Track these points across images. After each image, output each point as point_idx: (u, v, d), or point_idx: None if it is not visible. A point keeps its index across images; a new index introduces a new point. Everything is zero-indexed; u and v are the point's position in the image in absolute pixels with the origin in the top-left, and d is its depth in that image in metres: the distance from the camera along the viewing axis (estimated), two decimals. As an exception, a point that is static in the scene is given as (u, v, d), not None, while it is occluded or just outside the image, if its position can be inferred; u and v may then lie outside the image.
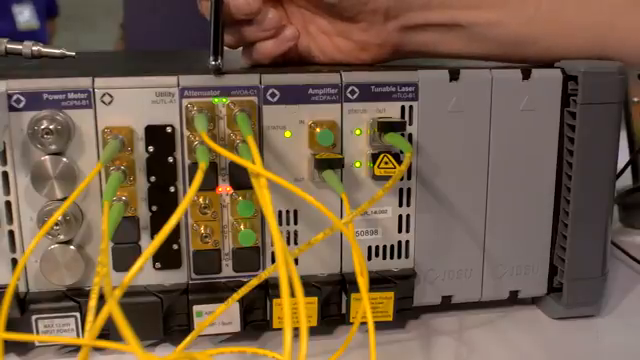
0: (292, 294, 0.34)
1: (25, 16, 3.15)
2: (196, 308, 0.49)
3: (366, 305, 0.41)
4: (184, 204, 0.37)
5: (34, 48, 0.53)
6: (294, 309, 0.33)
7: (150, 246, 0.35)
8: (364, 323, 0.43)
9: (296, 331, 0.33)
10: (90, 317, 0.36)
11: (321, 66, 0.55)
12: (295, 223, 0.51)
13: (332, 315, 0.52)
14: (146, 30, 2.14)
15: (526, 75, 0.52)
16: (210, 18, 0.50)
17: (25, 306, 0.48)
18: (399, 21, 0.55)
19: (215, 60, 0.48)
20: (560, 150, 0.53)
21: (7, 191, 0.47)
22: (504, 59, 0.56)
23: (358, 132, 0.50)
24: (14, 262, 0.48)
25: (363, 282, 0.42)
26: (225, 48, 0.50)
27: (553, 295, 0.56)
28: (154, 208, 0.48)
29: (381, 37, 0.56)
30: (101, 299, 0.35)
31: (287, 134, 0.49)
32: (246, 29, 0.54)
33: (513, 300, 0.56)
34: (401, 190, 0.51)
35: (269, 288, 0.50)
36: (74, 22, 3.89)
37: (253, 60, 0.55)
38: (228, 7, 0.51)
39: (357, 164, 0.50)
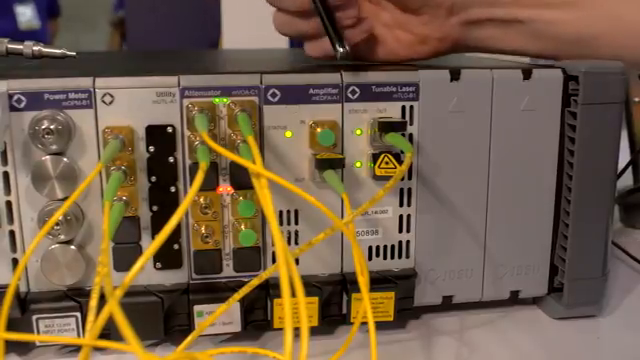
0: (293, 294, 0.34)
1: (27, 16, 3.15)
2: (197, 308, 0.49)
3: (367, 305, 0.41)
4: (185, 204, 0.37)
5: (35, 48, 0.53)
6: (295, 309, 0.34)
7: (151, 246, 0.35)
8: (365, 323, 0.43)
9: (297, 331, 0.33)
10: (91, 317, 0.36)
11: (391, 63, 0.55)
12: (296, 223, 0.51)
13: (333, 315, 0.52)
14: (145, 29, 2.14)
15: (527, 75, 0.52)
16: (317, 8, 0.51)
17: (26, 306, 0.48)
18: (461, 16, 0.55)
19: (342, 46, 0.50)
20: (561, 150, 0.53)
21: (8, 191, 0.47)
22: (563, 57, 0.56)
23: (359, 132, 0.50)
24: (15, 262, 0.48)
25: (364, 282, 0.42)
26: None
27: (554, 295, 0.56)
28: (155, 208, 0.48)
29: (442, 31, 0.56)
30: (102, 299, 0.35)
31: (288, 134, 0.49)
32: (335, 14, 0.52)
33: (514, 300, 0.56)
34: (402, 190, 0.51)
35: (270, 288, 0.50)
36: (75, 22, 3.90)
37: (323, 52, 0.55)
38: None
39: (357, 164, 0.50)
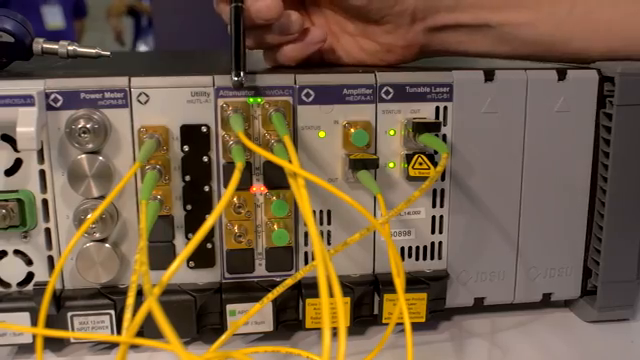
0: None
1: (52, 17, 3.18)
2: (229, 307, 0.49)
3: (403, 306, 0.41)
4: (222, 204, 0.37)
5: (70, 48, 0.53)
6: (331, 309, 0.33)
7: (188, 245, 0.35)
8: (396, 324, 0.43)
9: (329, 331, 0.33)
10: (128, 315, 0.36)
11: (355, 67, 0.55)
12: (329, 223, 0.51)
13: (364, 316, 0.52)
14: (171, 30, 2.15)
15: (562, 76, 0.51)
16: (230, 28, 0.49)
17: (61, 303, 0.48)
18: (426, 23, 0.54)
19: (237, 75, 0.46)
20: (595, 152, 0.53)
21: (44, 189, 0.48)
22: (533, 59, 0.56)
23: (392, 132, 0.50)
24: (50, 259, 0.49)
25: (400, 283, 0.41)
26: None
27: (587, 298, 0.55)
28: (188, 207, 0.49)
29: (407, 39, 0.55)
30: (136, 297, 0.36)
31: (321, 134, 0.49)
32: (268, 33, 0.52)
33: (546, 303, 0.56)
34: (435, 191, 0.51)
35: (302, 288, 0.50)
36: (100, 22, 3.93)
37: (277, 63, 0.55)
38: (248, 11, 0.49)
39: (391, 164, 0.50)
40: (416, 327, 0.52)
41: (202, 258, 0.50)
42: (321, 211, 0.50)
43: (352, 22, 0.56)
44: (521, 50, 0.55)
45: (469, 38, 0.55)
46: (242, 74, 0.46)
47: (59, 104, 0.46)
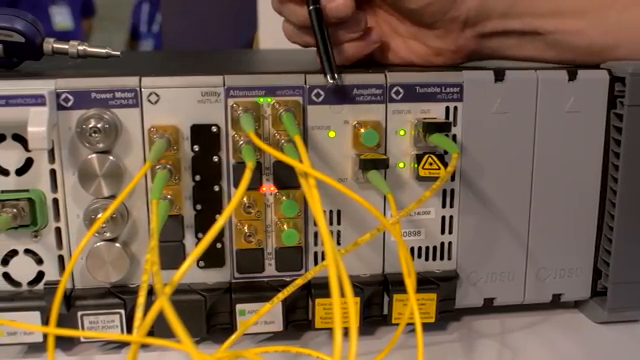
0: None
1: (61, 17, 3.19)
2: (239, 307, 0.49)
3: (414, 306, 0.41)
4: (233, 204, 0.37)
5: (80, 47, 0.53)
6: (341, 309, 0.33)
7: (199, 245, 0.35)
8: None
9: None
10: (139, 314, 0.36)
11: (402, 66, 0.55)
12: (338, 223, 0.51)
13: (374, 316, 0.52)
14: (180, 30, 2.16)
15: (572, 76, 0.51)
16: (314, 31, 0.50)
17: (71, 302, 0.48)
18: (476, 29, 0.54)
19: (332, 78, 0.47)
20: (606, 152, 0.52)
21: (55, 188, 0.48)
22: (578, 63, 0.56)
23: (402, 132, 0.50)
24: (60, 259, 0.49)
25: (410, 283, 0.41)
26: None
27: (597, 299, 0.55)
28: (198, 207, 0.49)
29: (457, 44, 0.55)
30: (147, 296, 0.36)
31: (331, 134, 0.49)
32: (335, 31, 0.53)
33: (556, 303, 0.56)
34: (445, 191, 0.51)
35: (312, 288, 0.50)
36: (107, 22, 3.94)
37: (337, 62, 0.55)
38: (323, 10, 0.50)
39: (401, 165, 0.50)
40: (426, 327, 0.51)
41: (212, 258, 0.50)
42: (331, 211, 0.50)
43: (404, 24, 0.56)
44: (567, 56, 0.55)
45: (517, 44, 0.55)
46: (338, 76, 0.47)
47: (70, 104, 0.46)
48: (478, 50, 0.56)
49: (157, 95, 0.47)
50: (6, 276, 0.49)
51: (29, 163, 0.47)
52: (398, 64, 0.57)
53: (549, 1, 0.54)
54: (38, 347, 0.50)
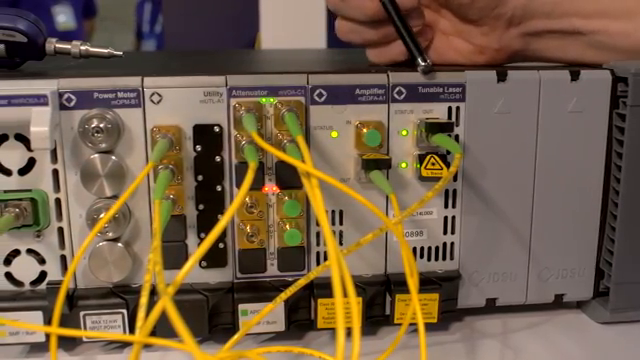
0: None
1: (63, 17, 3.19)
2: (241, 307, 0.49)
3: (416, 306, 0.41)
4: (235, 204, 0.37)
5: (82, 48, 0.53)
6: (343, 309, 0.33)
7: (202, 245, 0.35)
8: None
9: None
10: (141, 314, 0.36)
11: (447, 66, 0.55)
12: (341, 223, 0.51)
13: (376, 316, 0.52)
14: (182, 29, 2.16)
15: (575, 76, 0.51)
16: (394, 21, 0.51)
17: (73, 302, 0.49)
18: (521, 28, 0.54)
19: (424, 60, 0.50)
20: (608, 153, 0.52)
21: (57, 188, 0.48)
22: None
23: (404, 133, 0.50)
24: (63, 259, 0.49)
25: (413, 283, 0.41)
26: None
27: (599, 299, 0.55)
28: (201, 207, 0.49)
29: (501, 42, 0.55)
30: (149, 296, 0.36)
31: (334, 134, 0.49)
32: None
33: (558, 304, 0.56)
34: (447, 191, 0.51)
35: (314, 288, 0.50)
36: (109, 22, 3.94)
37: (388, 58, 0.55)
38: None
39: (403, 165, 0.50)
40: (428, 328, 0.51)
41: (214, 258, 0.50)
42: (333, 211, 0.50)
43: (449, 20, 0.56)
44: (608, 56, 0.55)
45: (560, 44, 0.55)
46: (428, 58, 0.50)
47: (72, 104, 0.46)
48: (520, 51, 0.56)
49: (159, 95, 0.47)
50: (8, 276, 0.49)
51: (31, 163, 0.48)
52: (440, 63, 0.57)
53: (595, 2, 0.54)
54: (40, 347, 0.50)
